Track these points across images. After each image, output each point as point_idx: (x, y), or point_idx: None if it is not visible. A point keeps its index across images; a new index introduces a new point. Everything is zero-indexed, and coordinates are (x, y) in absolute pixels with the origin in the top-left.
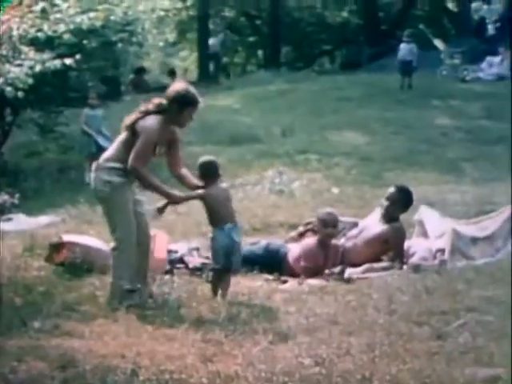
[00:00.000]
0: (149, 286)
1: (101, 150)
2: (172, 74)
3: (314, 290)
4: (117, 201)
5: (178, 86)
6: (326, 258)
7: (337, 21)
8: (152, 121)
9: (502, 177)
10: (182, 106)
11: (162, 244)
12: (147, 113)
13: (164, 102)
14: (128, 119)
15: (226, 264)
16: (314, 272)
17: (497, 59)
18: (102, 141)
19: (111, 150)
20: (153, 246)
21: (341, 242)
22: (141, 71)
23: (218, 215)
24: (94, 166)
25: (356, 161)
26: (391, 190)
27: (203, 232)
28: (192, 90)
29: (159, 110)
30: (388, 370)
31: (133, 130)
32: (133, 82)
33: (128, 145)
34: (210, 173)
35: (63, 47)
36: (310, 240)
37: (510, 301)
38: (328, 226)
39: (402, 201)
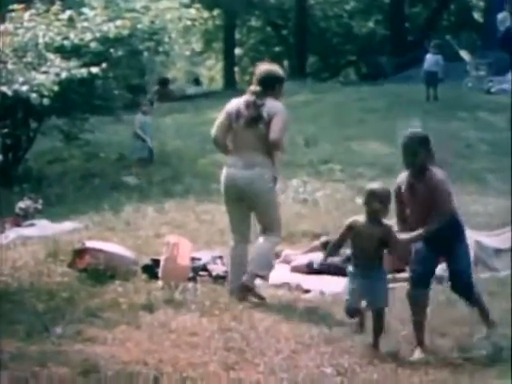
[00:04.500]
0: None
1: (152, 155)
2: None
3: (336, 299)
4: (276, 195)
5: (272, 66)
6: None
7: (363, 31)
8: (277, 102)
9: None
10: (283, 83)
11: (185, 251)
12: (260, 100)
13: (257, 87)
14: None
15: None
16: None
17: None
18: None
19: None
20: (176, 252)
21: None
22: (164, 82)
23: None
24: (242, 163)
25: (380, 171)
26: None
27: (226, 241)
28: None
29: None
30: (410, 380)
31: (257, 121)
32: (158, 92)
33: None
34: None
35: (90, 55)
36: None
37: None
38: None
39: None
